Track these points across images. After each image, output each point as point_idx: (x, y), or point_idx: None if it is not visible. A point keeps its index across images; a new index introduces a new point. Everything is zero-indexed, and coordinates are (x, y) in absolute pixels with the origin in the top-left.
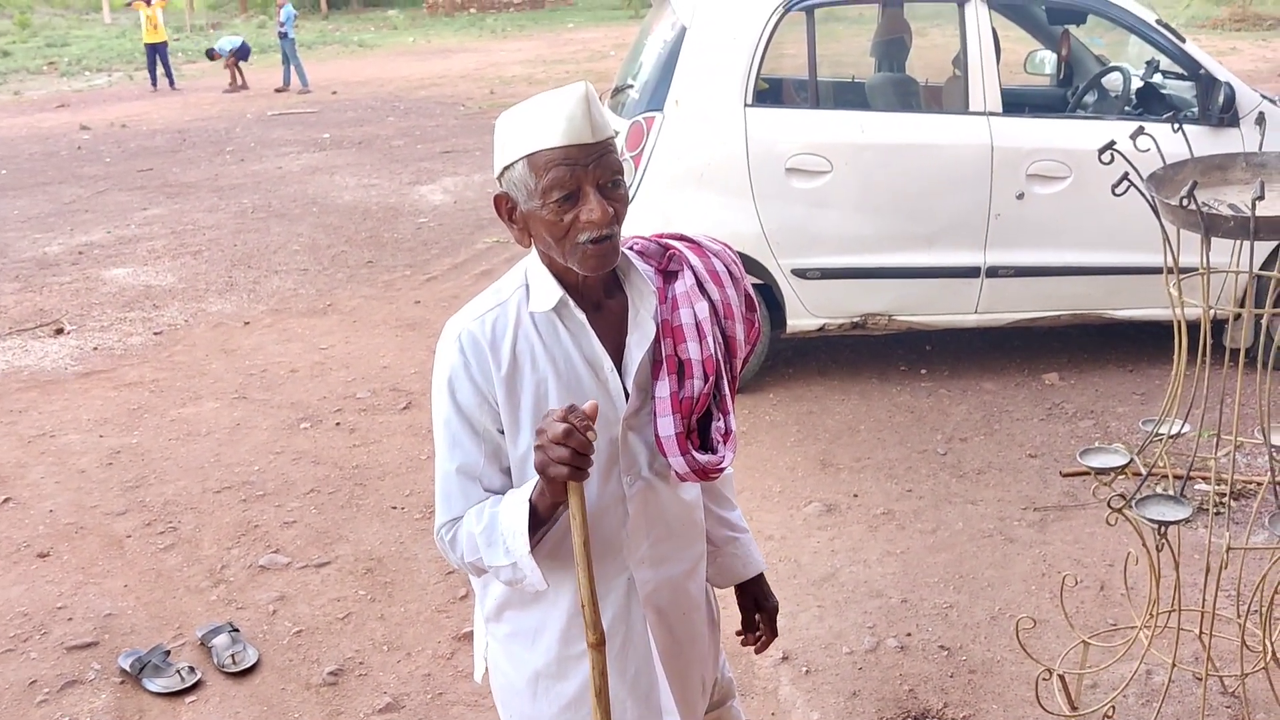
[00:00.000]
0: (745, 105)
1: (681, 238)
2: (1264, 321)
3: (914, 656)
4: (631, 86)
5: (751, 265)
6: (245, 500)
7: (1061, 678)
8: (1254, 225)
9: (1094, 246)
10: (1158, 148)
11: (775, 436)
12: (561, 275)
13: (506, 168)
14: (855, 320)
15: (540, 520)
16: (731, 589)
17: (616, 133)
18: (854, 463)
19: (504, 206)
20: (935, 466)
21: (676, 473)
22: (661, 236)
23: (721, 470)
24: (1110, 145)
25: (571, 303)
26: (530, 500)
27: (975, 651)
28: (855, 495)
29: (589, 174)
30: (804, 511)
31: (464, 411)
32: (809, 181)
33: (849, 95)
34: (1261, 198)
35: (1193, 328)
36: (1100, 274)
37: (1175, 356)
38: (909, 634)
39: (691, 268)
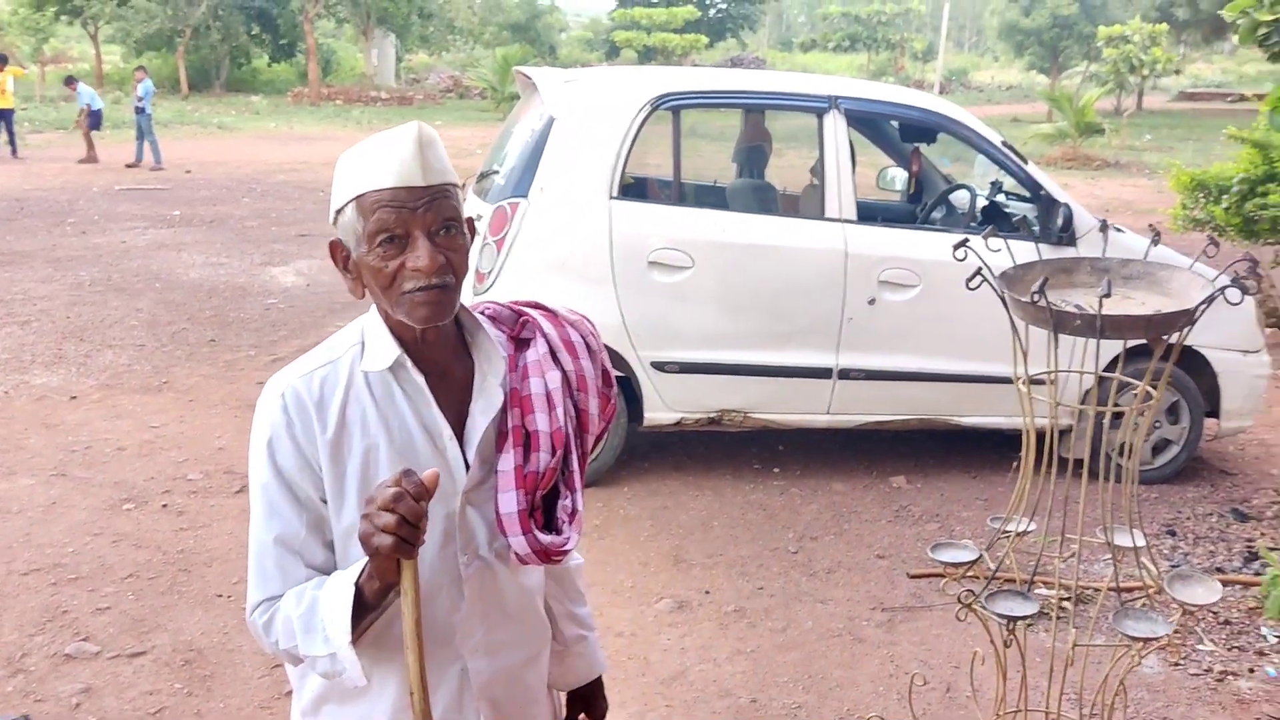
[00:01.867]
0: (611, 197)
1: (537, 305)
2: (1105, 425)
3: None
4: (497, 172)
5: (611, 357)
6: (55, 584)
7: None
8: (1100, 323)
9: (941, 354)
10: (1009, 249)
11: (629, 531)
12: (399, 333)
13: (338, 211)
14: (712, 416)
15: (367, 607)
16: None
17: (460, 184)
18: (707, 559)
19: (339, 254)
20: (786, 564)
21: (516, 554)
22: (517, 303)
23: (565, 552)
24: (964, 243)
25: (409, 363)
26: (357, 584)
27: None
28: (707, 592)
29: (418, 218)
30: (655, 608)
31: (284, 476)
32: (670, 276)
33: (711, 197)
34: (1108, 295)
35: (1041, 436)
36: (947, 380)
37: (1023, 453)
38: None
39: (545, 336)
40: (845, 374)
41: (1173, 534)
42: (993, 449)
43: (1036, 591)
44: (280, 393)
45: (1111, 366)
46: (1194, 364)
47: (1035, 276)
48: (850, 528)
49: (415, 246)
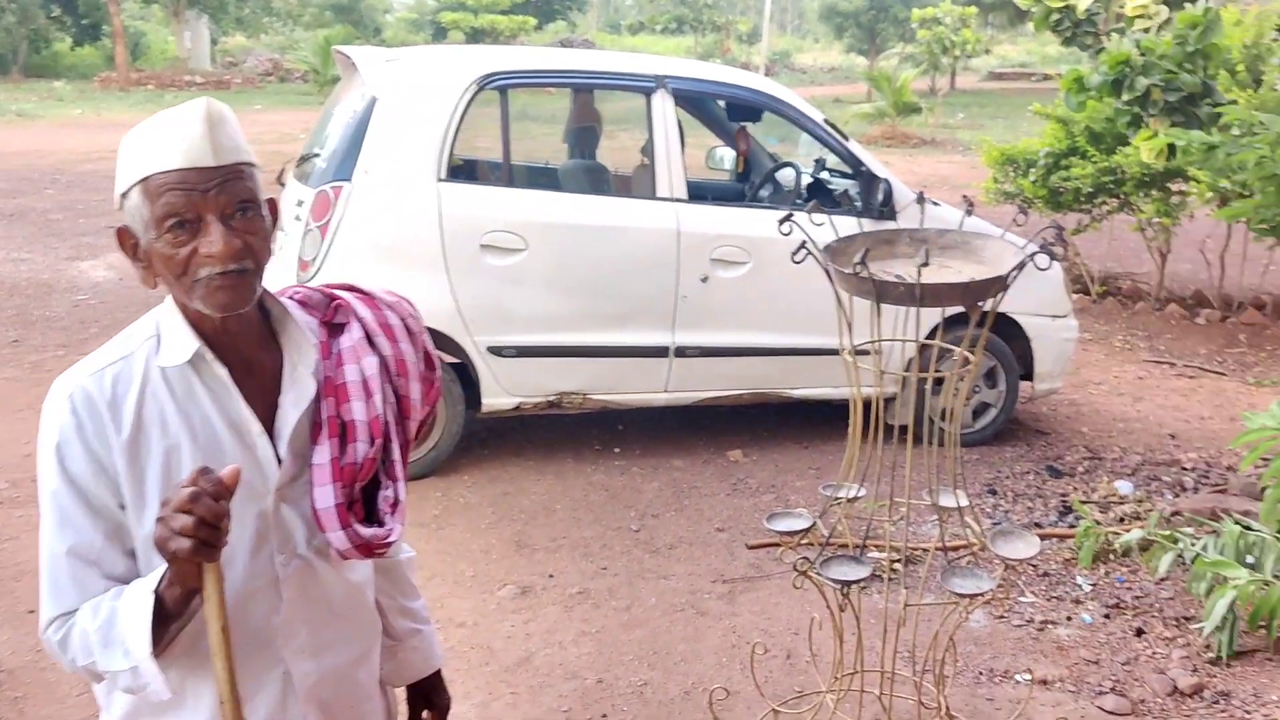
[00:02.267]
0: (438, 179)
1: (350, 288)
2: (928, 392)
3: None
4: (318, 155)
5: (446, 343)
6: None
7: None
8: (920, 292)
9: (773, 328)
10: (832, 224)
11: (469, 519)
12: (198, 324)
13: (123, 196)
14: (551, 399)
15: (170, 616)
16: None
17: (256, 164)
18: (550, 543)
19: (127, 242)
20: (629, 543)
21: (337, 550)
22: (329, 286)
23: (388, 545)
24: (788, 218)
25: (210, 356)
26: (157, 592)
27: None
28: (551, 576)
29: (210, 201)
30: (498, 595)
31: (76, 483)
32: (503, 259)
33: (543, 178)
34: (926, 264)
35: (867, 404)
36: (779, 354)
37: (851, 421)
38: (605, 715)
39: (360, 320)
40: (681, 352)
41: (994, 493)
42: (824, 419)
43: (870, 555)
44: (68, 393)
45: (933, 335)
46: (1008, 330)
47: (857, 248)
48: (690, 503)
49: (208, 231)
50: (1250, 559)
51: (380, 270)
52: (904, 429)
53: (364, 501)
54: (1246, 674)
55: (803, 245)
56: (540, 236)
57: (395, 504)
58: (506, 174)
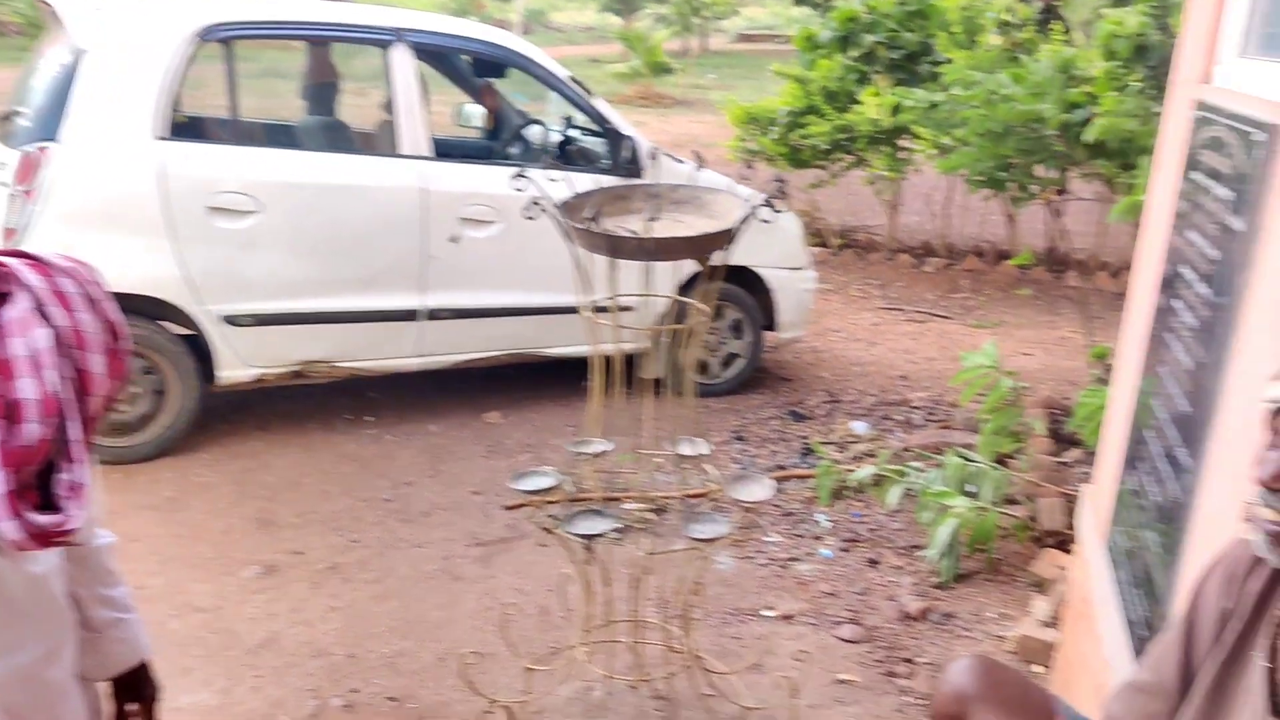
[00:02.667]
0: (158, 138)
1: (20, 253)
2: (679, 345)
3: (361, 713)
4: (22, 114)
5: (174, 313)
6: None
7: (507, 708)
8: (651, 245)
9: (525, 288)
10: (569, 180)
11: (208, 499)
12: None
13: None
14: (295, 369)
15: None
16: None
17: None
18: (296, 519)
19: None
20: (382, 513)
21: (10, 540)
22: None
23: (68, 532)
24: (521, 173)
25: None
26: None
27: (424, 697)
28: (298, 552)
29: None
30: (240, 576)
31: None
32: (236, 222)
33: (279, 137)
34: (655, 218)
35: (614, 360)
36: (533, 314)
37: (593, 377)
38: (355, 690)
39: (29, 288)
40: (433, 315)
41: (741, 439)
42: (582, 377)
43: (625, 508)
44: None
45: (686, 290)
46: (752, 283)
47: (591, 204)
48: (446, 468)
49: None
50: (971, 488)
51: (94, 237)
52: (658, 383)
53: (41, 487)
54: (968, 595)
55: (535, 201)
56: (275, 197)
57: (75, 488)
58: (237, 131)
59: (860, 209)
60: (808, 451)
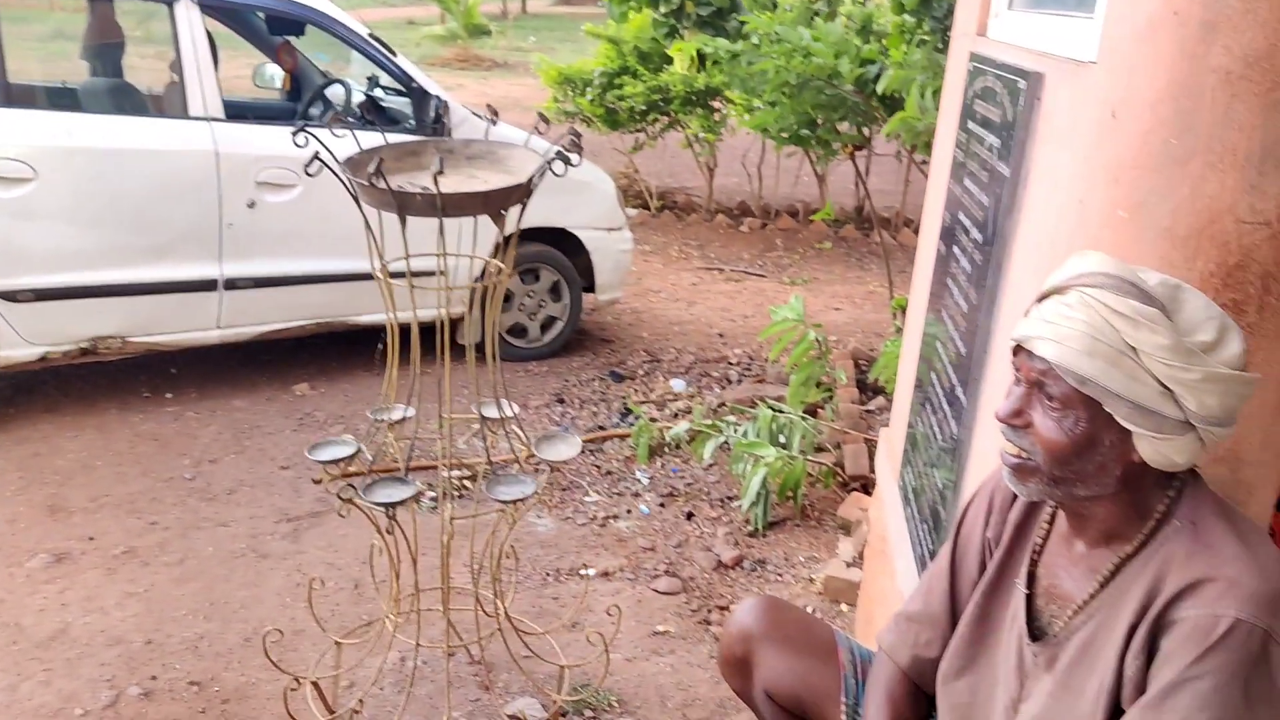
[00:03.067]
0: None
1: None
2: (492, 307)
3: (160, 700)
4: None
5: None
6: None
7: (315, 684)
8: (440, 202)
9: (331, 254)
10: (355, 137)
11: None
12: None
13: None
14: (84, 346)
15: None
16: None
17: None
18: (90, 503)
19: None
20: (183, 493)
21: None
22: None
23: None
24: (302, 129)
25: None
26: None
27: (229, 679)
28: (91, 539)
29: None
30: (27, 567)
31: None
32: (9, 190)
33: (60, 100)
34: (441, 172)
35: (427, 324)
36: (339, 280)
37: (389, 341)
38: (154, 677)
39: None
40: (232, 284)
41: (562, 401)
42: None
43: (440, 474)
44: None
45: (498, 252)
46: (569, 245)
47: (381, 160)
48: (252, 444)
49: None
50: (782, 439)
51: None
52: (478, 347)
53: None
54: (779, 541)
55: (316, 157)
56: (52, 163)
57: None
58: (4, 93)
59: (679, 171)
60: (628, 411)
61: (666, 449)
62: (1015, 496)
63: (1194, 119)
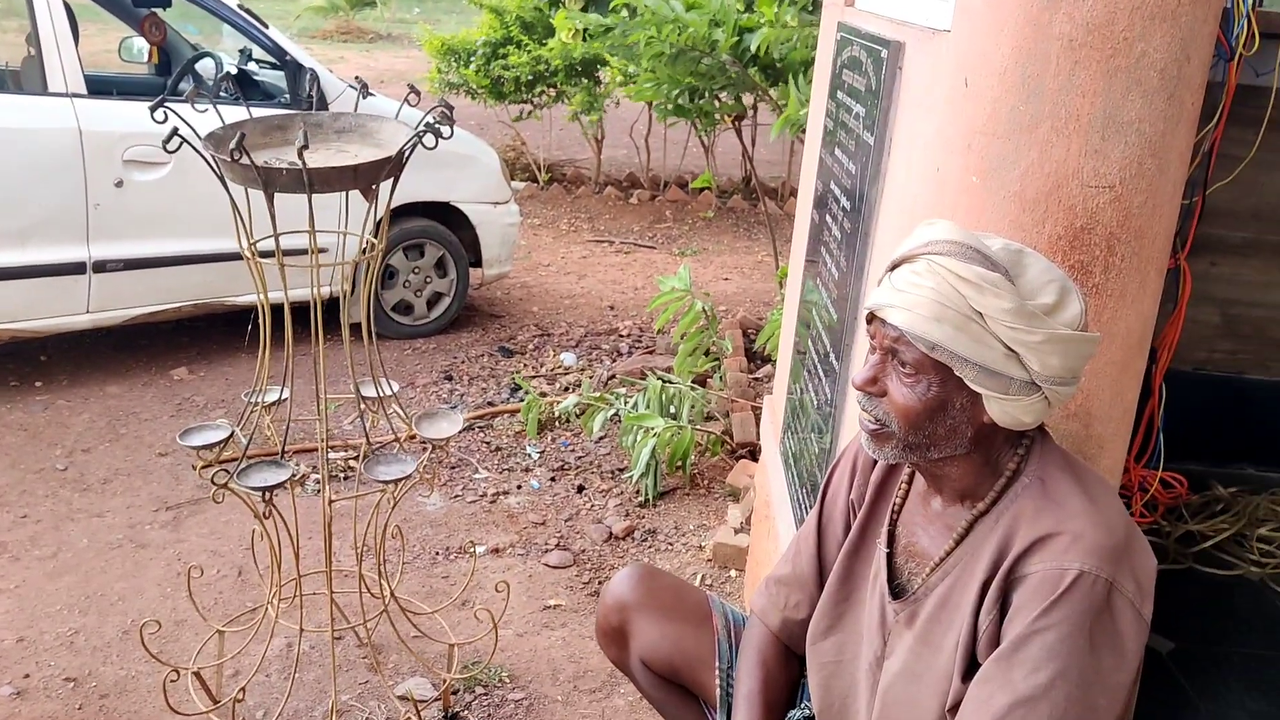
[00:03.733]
0: None
1: None
2: (363, 288)
3: (34, 699)
4: None
5: None
6: None
7: (197, 674)
8: (308, 177)
9: (206, 233)
10: (218, 112)
11: None
12: None
13: None
14: None
15: None
16: None
17: None
18: None
19: None
20: (55, 484)
21: None
22: None
23: None
24: (160, 104)
25: None
26: None
27: (107, 674)
28: None
29: None
30: None
31: None
32: None
33: None
34: (306, 146)
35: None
36: (216, 261)
37: (261, 322)
38: (27, 675)
39: None
40: (101, 267)
41: (450, 379)
42: (278, 326)
43: (330, 457)
44: None
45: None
46: (454, 219)
47: (245, 136)
48: (128, 431)
49: None
50: (672, 409)
51: None
52: (359, 327)
53: None
54: (669, 511)
55: (175, 133)
56: None
57: None
58: None
59: (568, 143)
60: (517, 387)
61: (557, 423)
62: (874, 460)
63: (1040, 85)
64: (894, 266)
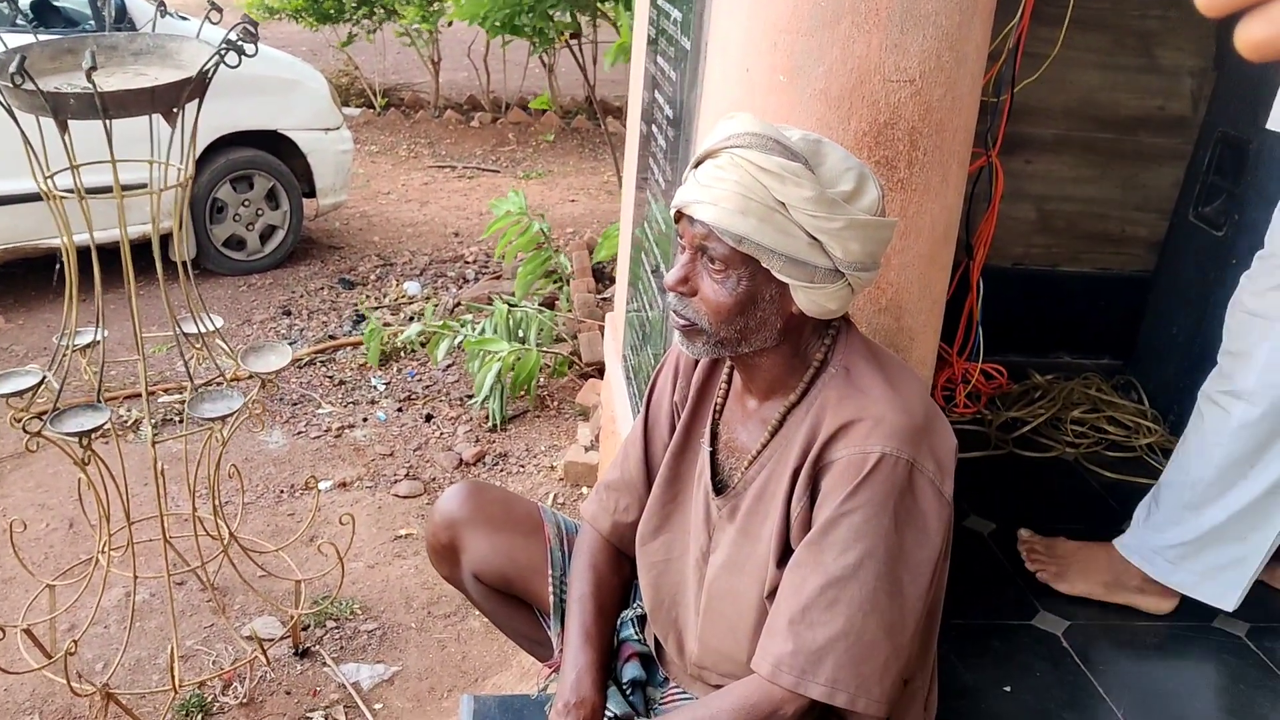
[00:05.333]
0: None
1: None
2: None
3: None
4: None
5: None
6: None
7: (27, 631)
8: (101, 102)
9: (7, 173)
10: (1, 41)
11: None
12: None
13: None
14: None
15: None
16: None
17: None
18: None
19: None
20: None
21: None
22: None
23: None
24: None
25: None
26: None
27: None
28: None
29: None
30: None
31: None
32: None
33: None
34: (94, 67)
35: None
36: (23, 202)
37: (66, 262)
38: None
39: None
40: None
41: (288, 313)
42: (103, 265)
43: (160, 400)
44: None
45: (204, 160)
46: (284, 148)
47: (30, 60)
48: None
49: None
50: (520, 333)
51: None
52: (189, 264)
53: None
54: (519, 434)
55: None
56: None
57: None
58: None
59: (404, 67)
60: (360, 319)
61: (402, 354)
62: (698, 361)
63: None
64: (698, 163)
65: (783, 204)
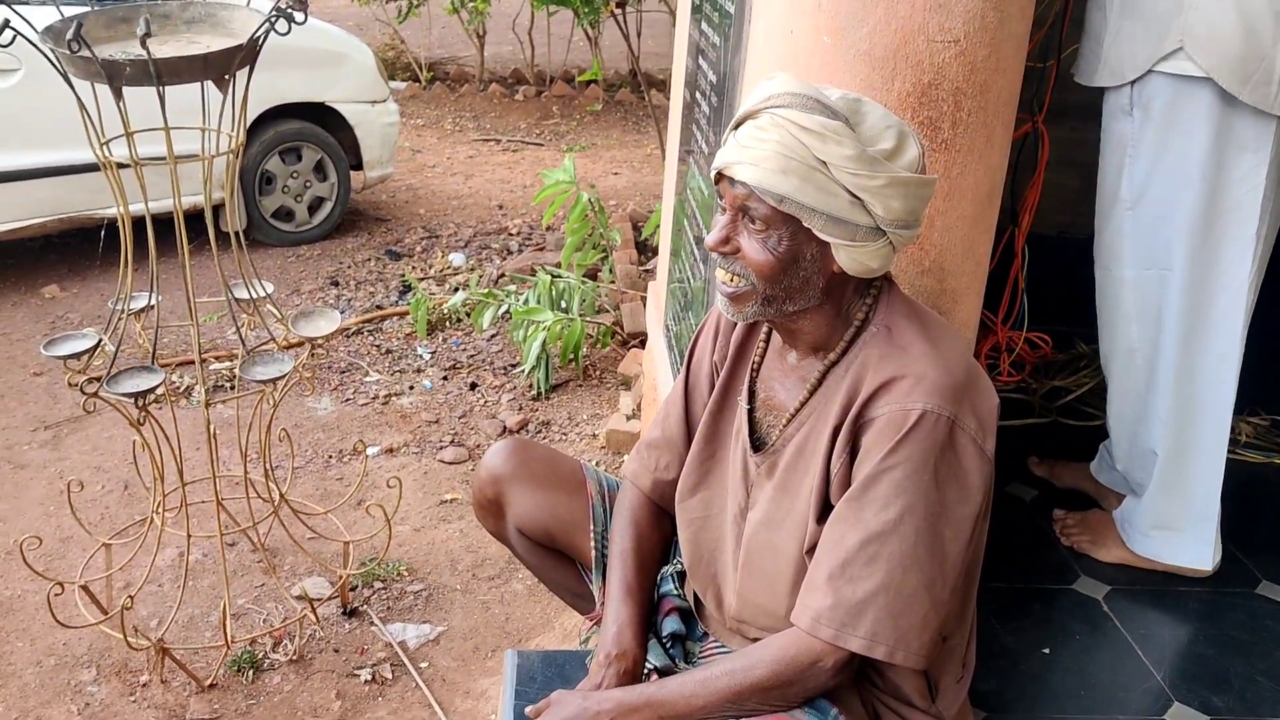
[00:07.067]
0: None
1: None
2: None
3: None
4: None
5: None
6: None
7: (85, 588)
8: (155, 68)
9: (65, 144)
10: (59, 10)
11: None
12: None
13: None
14: None
15: None
16: None
17: None
18: None
19: None
20: None
21: None
22: None
23: None
24: None
25: None
26: None
27: None
28: None
29: None
30: None
31: None
32: None
33: None
34: (149, 34)
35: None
36: (79, 172)
37: (121, 227)
38: None
39: None
40: None
41: (336, 284)
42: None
43: (211, 368)
44: None
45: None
46: (331, 121)
47: (86, 28)
48: (1, 352)
49: None
50: (563, 303)
51: None
52: (240, 235)
53: None
54: (563, 403)
55: (7, 24)
56: None
57: None
58: None
59: (450, 41)
60: (406, 289)
61: (447, 323)
62: (734, 322)
63: None
64: (738, 124)
65: (824, 163)
